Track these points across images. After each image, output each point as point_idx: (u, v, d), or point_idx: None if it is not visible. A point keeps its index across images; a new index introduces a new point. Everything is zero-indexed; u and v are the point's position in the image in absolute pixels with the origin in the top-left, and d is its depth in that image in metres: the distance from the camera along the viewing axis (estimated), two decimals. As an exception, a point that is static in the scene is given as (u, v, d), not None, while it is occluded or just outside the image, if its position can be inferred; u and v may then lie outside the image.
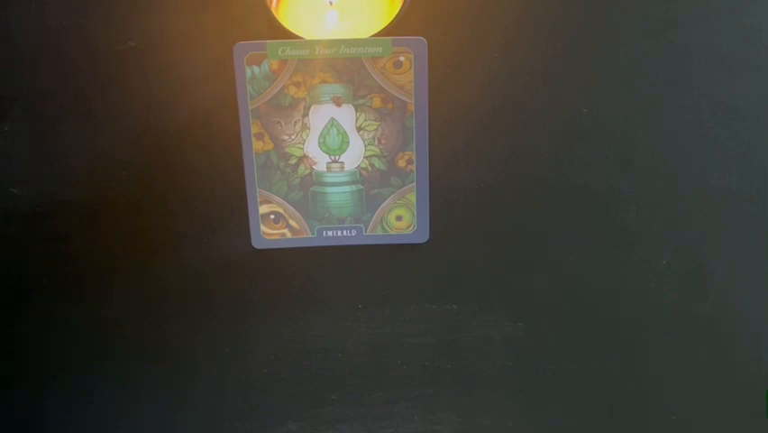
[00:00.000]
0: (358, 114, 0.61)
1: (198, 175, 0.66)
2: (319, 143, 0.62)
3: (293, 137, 0.62)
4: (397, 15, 0.61)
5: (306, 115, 0.61)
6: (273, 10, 0.62)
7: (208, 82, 0.68)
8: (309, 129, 0.62)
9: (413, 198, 0.63)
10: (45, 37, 0.70)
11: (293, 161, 0.62)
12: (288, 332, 0.63)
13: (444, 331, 0.63)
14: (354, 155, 0.62)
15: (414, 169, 0.63)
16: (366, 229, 0.64)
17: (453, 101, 0.68)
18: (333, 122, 0.62)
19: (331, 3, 0.64)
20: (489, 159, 0.67)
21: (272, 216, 0.63)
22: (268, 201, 0.63)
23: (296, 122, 0.61)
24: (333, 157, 0.62)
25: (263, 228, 0.63)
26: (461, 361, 0.62)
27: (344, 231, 0.64)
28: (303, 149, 0.62)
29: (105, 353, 0.62)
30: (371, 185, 0.63)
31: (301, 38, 0.60)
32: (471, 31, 0.71)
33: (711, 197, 0.66)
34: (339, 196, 0.63)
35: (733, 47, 0.71)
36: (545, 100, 0.69)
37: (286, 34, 0.60)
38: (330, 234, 0.64)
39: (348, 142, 0.62)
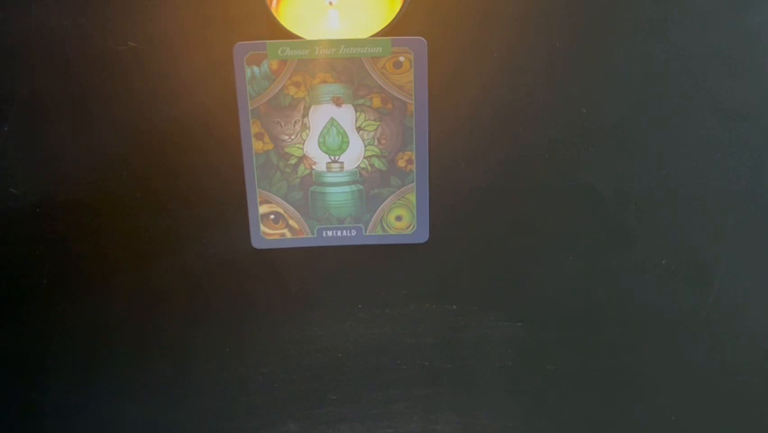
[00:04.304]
0: (358, 114, 0.61)
1: (198, 175, 0.66)
2: (319, 143, 0.62)
3: (293, 137, 0.62)
4: (397, 15, 0.61)
5: (305, 115, 0.61)
6: (273, 10, 0.62)
7: (208, 82, 0.68)
8: (309, 129, 0.62)
9: (413, 198, 0.63)
10: (45, 37, 0.71)
11: (293, 161, 0.62)
12: (287, 332, 0.63)
13: (444, 331, 0.63)
14: (354, 155, 0.62)
15: (414, 169, 0.63)
16: (366, 229, 0.64)
17: (453, 101, 0.68)
18: (332, 122, 0.62)
19: (331, 3, 0.64)
20: (489, 159, 0.67)
21: (272, 217, 0.63)
22: (267, 201, 0.63)
23: (295, 122, 0.61)
24: (332, 157, 0.62)
25: (263, 228, 0.63)
26: (461, 361, 0.62)
27: (344, 231, 0.64)
28: (303, 149, 0.62)
29: (104, 352, 0.62)
30: (371, 185, 0.63)
31: (301, 38, 0.60)
32: (471, 31, 0.71)
33: (711, 197, 0.66)
34: (339, 196, 0.63)
35: (733, 47, 0.71)
36: (545, 100, 0.69)
37: (286, 34, 0.60)
38: (330, 234, 0.64)
39: (348, 143, 0.62)
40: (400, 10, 0.61)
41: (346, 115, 0.62)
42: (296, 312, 0.63)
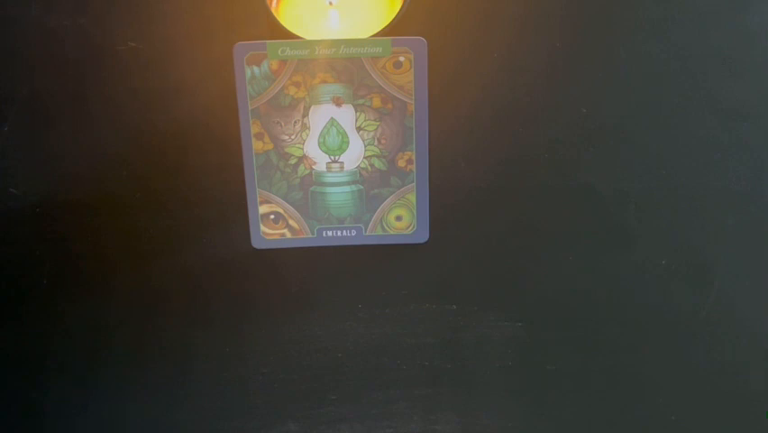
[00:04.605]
0: (358, 114, 0.61)
1: (198, 175, 0.66)
2: (319, 143, 0.62)
3: (293, 137, 0.62)
4: (397, 15, 0.61)
5: (305, 115, 0.61)
6: (273, 10, 0.62)
7: (208, 82, 0.68)
8: (309, 129, 0.62)
9: (413, 198, 0.63)
10: (45, 37, 0.71)
11: (293, 161, 0.62)
12: (287, 332, 0.63)
13: (444, 331, 0.63)
14: (354, 155, 0.62)
15: (414, 169, 0.63)
16: (366, 229, 0.64)
17: (453, 101, 0.68)
18: (332, 122, 0.62)
19: (331, 3, 0.64)
20: (489, 159, 0.67)
21: (272, 217, 0.63)
22: (267, 201, 0.63)
23: (295, 122, 0.61)
24: (332, 157, 0.62)
25: (263, 228, 0.63)
26: (461, 361, 0.62)
27: (344, 231, 0.64)
28: (303, 149, 0.62)
29: (104, 352, 0.62)
30: (371, 185, 0.63)
31: (301, 38, 0.60)
32: (471, 31, 0.71)
33: (711, 197, 0.66)
34: (339, 196, 0.63)
35: (733, 47, 0.71)
36: (546, 100, 0.69)
37: (286, 34, 0.60)
38: (330, 234, 0.64)
39: (348, 143, 0.62)
40: (400, 10, 0.61)
41: (346, 115, 0.62)
42: (296, 312, 0.63)
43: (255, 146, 0.62)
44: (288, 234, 0.64)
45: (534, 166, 0.67)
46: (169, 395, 0.61)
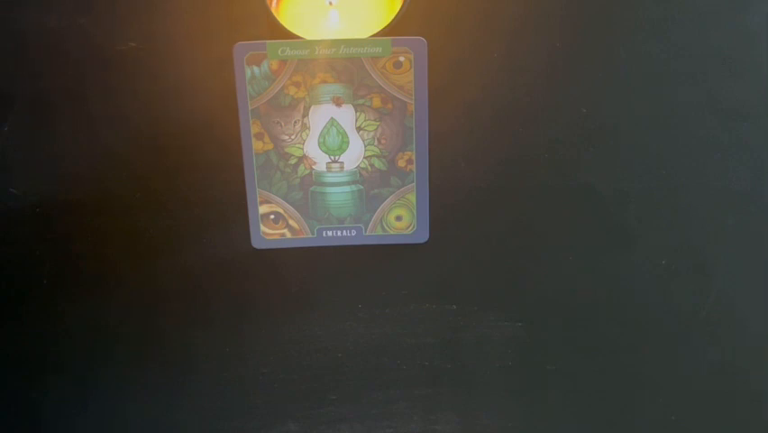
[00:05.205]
0: (358, 114, 0.61)
1: (198, 175, 0.66)
2: (319, 143, 0.62)
3: (293, 137, 0.62)
4: (397, 15, 0.61)
5: (305, 115, 0.61)
6: (273, 10, 0.62)
7: (209, 82, 0.68)
8: (309, 129, 0.62)
9: (413, 198, 0.63)
10: (45, 37, 0.71)
11: (293, 161, 0.62)
12: (287, 332, 0.63)
13: (444, 331, 0.63)
14: (354, 155, 0.62)
15: (414, 169, 0.63)
16: (366, 229, 0.64)
17: (453, 101, 0.68)
18: (332, 122, 0.62)
19: (331, 3, 0.64)
20: (489, 159, 0.67)
21: (272, 217, 0.63)
22: (267, 201, 0.63)
23: (295, 122, 0.61)
24: (332, 157, 0.62)
25: (263, 228, 0.63)
26: (461, 361, 0.62)
27: (344, 231, 0.64)
28: (303, 149, 0.62)
29: (104, 353, 0.62)
30: (371, 185, 0.63)
31: (301, 38, 0.60)
32: (471, 31, 0.71)
33: (711, 197, 0.66)
34: (339, 196, 0.63)
35: (733, 47, 0.71)
36: (546, 100, 0.69)
37: (286, 34, 0.60)
38: (330, 234, 0.64)
39: (348, 143, 0.62)
40: (400, 10, 0.61)
41: (346, 115, 0.62)
42: (296, 312, 0.63)
43: (255, 146, 0.62)
44: (288, 234, 0.64)
45: (534, 166, 0.67)
46: (169, 395, 0.61)
